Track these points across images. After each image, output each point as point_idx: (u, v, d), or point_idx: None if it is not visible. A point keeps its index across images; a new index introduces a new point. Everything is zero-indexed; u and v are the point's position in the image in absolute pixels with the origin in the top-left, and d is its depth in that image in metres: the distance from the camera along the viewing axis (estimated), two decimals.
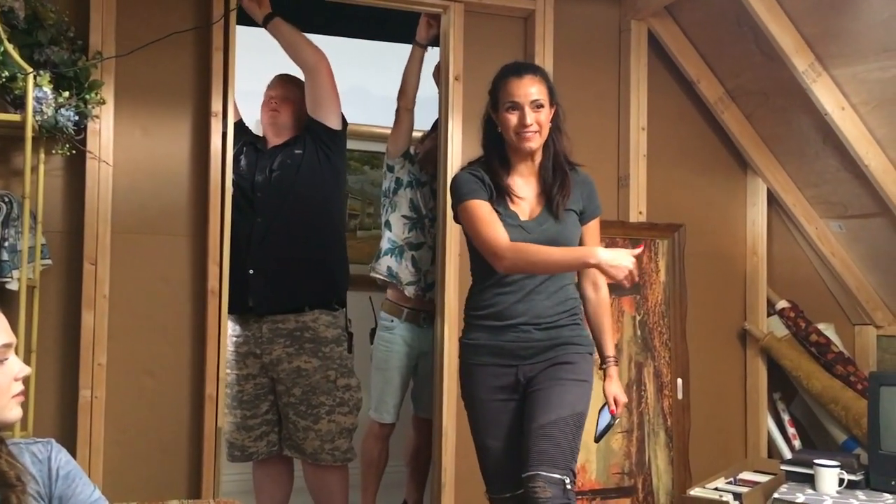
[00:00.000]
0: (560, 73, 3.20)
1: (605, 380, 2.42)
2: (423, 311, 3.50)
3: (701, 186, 3.65)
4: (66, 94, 2.59)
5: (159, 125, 2.92)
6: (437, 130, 3.38)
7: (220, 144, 2.93)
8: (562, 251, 2.23)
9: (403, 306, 3.51)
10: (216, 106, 2.92)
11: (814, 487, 2.89)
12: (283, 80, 3.24)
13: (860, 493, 2.86)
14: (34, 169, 2.65)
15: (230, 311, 2.99)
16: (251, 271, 3.04)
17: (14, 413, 1.47)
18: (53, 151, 2.69)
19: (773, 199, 3.68)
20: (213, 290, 2.91)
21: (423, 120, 3.66)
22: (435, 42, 3.40)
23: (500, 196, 2.34)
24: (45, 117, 2.54)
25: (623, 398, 2.41)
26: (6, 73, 2.47)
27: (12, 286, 2.53)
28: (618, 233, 3.42)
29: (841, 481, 2.87)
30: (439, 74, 3.38)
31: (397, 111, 3.48)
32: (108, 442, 2.78)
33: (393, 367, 3.50)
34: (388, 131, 3.58)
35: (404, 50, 3.46)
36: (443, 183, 3.22)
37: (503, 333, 2.33)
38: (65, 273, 2.79)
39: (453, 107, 3.23)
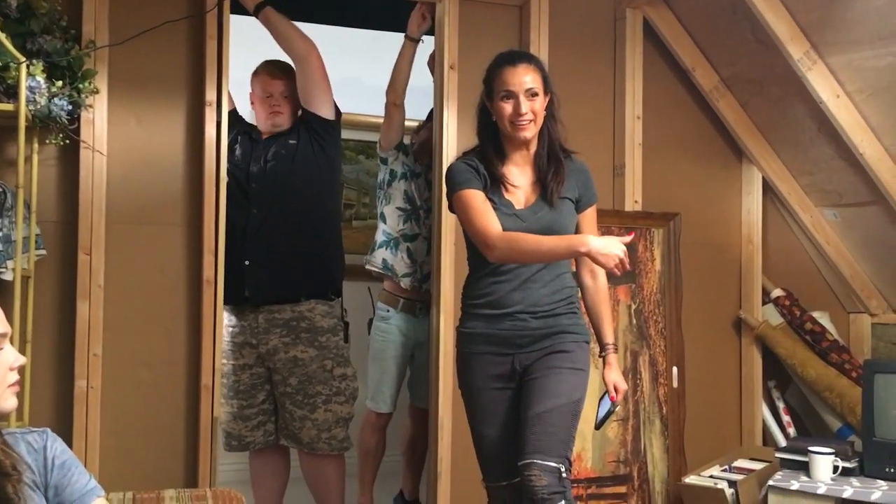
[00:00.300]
0: (555, 62, 3.19)
1: (604, 367, 2.42)
2: (419, 302, 3.50)
3: (696, 175, 3.65)
4: (60, 83, 2.58)
5: (153, 114, 2.91)
6: (433, 120, 3.37)
7: (215, 134, 2.92)
8: (552, 240, 2.22)
9: (399, 296, 3.51)
10: (210, 95, 2.91)
11: (808, 475, 2.90)
12: (277, 72, 3.19)
13: (854, 480, 2.88)
14: (28, 159, 2.64)
15: (226, 302, 2.99)
16: (247, 262, 3.04)
17: (9, 403, 1.47)
18: (47, 141, 2.67)
19: (768, 188, 3.68)
20: (208, 279, 2.90)
21: (419, 110, 3.65)
22: (429, 32, 3.39)
23: (495, 185, 2.34)
24: (39, 107, 2.53)
25: (623, 385, 2.41)
26: None
27: (7, 276, 2.52)
28: (613, 222, 3.42)
29: (835, 468, 2.89)
30: (434, 64, 3.37)
31: (386, 106, 3.47)
32: (104, 432, 2.79)
33: (389, 356, 3.51)
34: (382, 121, 3.57)
35: (398, 39, 3.45)
36: (438, 173, 3.21)
37: (499, 322, 2.34)
38: (59, 263, 2.79)
39: (448, 96, 3.23)
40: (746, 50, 3.27)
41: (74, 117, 2.69)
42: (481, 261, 2.35)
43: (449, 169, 2.42)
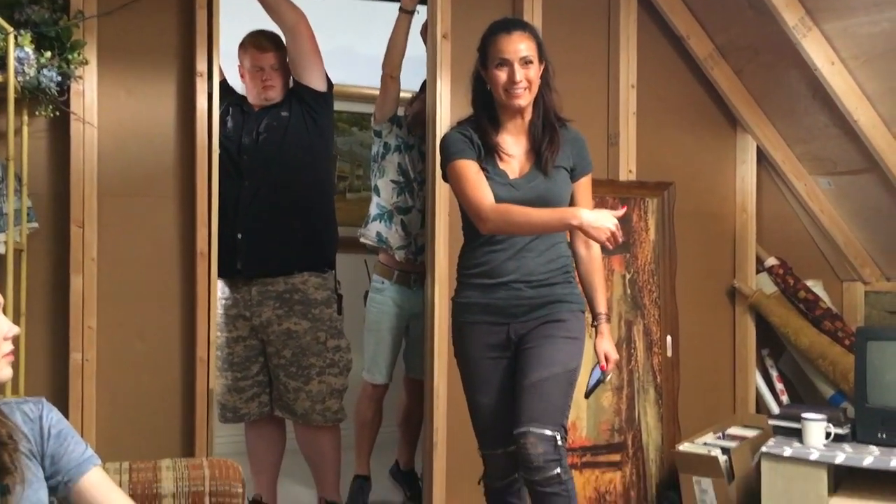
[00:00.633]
0: (549, 30, 3.16)
1: (596, 336, 2.43)
2: (414, 273, 3.50)
3: (690, 144, 3.65)
4: (48, 54, 2.55)
5: (144, 85, 2.88)
6: (426, 91, 3.35)
7: (206, 105, 2.90)
8: (544, 212, 2.22)
9: (394, 268, 3.52)
10: (201, 66, 2.88)
11: (801, 441, 2.92)
12: (266, 44, 3.14)
13: (847, 446, 2.90)
14: (18, 131, 2.61)
15: (219, 275, 2.98)
16: (239, 235, 3.03)
17: (4, 372, 1.46)
18: (37, 113, 2.64)
19: (762, 157, 3.68)
20: (201, 252, 2.89)
21: (412, 80, 3.62)
22: (423, 1, 3.36)
23: (489, 154, 2.33)
24: (28, 78, 2.50)
25: (614, 355, 2.42)
26: None
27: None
28: (607, 191, 3.41)
29: (828, 435, 2.91)
30: (427, 33, 3.34)
31: (382, 78, 3.45)
32: (100, 404, 2.79)
33: (384, 328, 3.51)
34: (376, 92, 3.55)
35: (391, 9, 3.41)
36: (431, 145, 3.20)
37: (495, 291, 2.34)
38: (52, 236, 2.77)
39: (441, 66, 3.20)
40: (741, 17, 3.25)
41: (64, 89, 2.66)
42: (475, 230, 2.34)
43: (443, 139, 2.41)
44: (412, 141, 3.53)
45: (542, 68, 2.33)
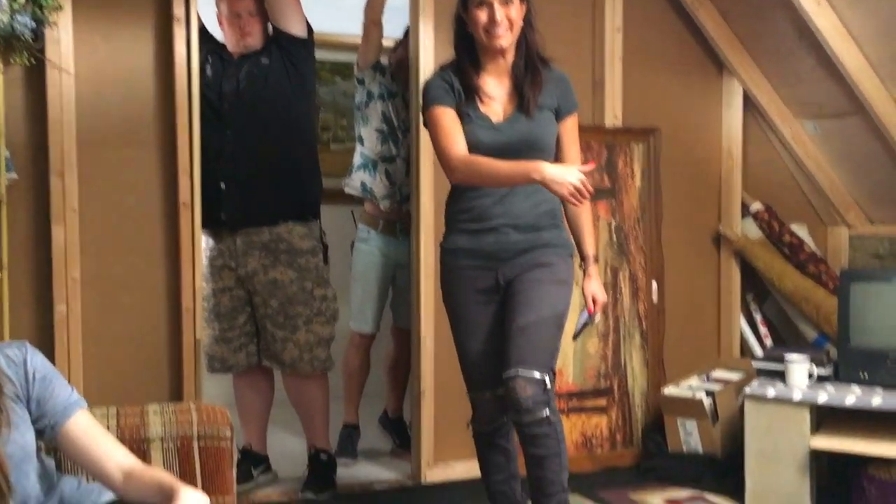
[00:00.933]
0: None
1: (584, 279, 2.43)
2: (399, 223, 3.49)
3: (676, 89, 3.62)
4: None
5: (120, 32, 2.82)
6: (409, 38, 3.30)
7: (185, 51, 2.85)
8: (509, 165, 2.19)
9: (379, 218, 3.51)
10: (178, 10, 2.82)
11: (784, 382, 2.96)
12: None
13: (829, 386, 2.94)
14: None
15: (203, 225, 2.96)
16: (222, 185, 3.00)
17: None
18: (12, 61, 2.59)
19: (748, 102, 3.66)
20: (185, 202, 2.87)
21: (395, 27, 3.57)
22: None
23: (470, 98, 2.30)
24: (2, 25, 2.44)
25: (602, 297, 2.41)
26: None
27: None
28: (593, 137, 3.40)
29: (810, 375, 2.95)
30: None
31: (365, 25, 3.40)
32: (86, 356, 2.78)
33: (371, 277, 3.52)
34: (359, 40, 3.50)
35: None
36: (415, 92, 3.16)
37: (482, 236, 2.33)
38: (32, 187, 2.74)
39: (424, 12, 3.15)
40: None
41: (39, 36, 2.60)
42: None
43: (424, 84, 2.38)
44: (395, 89, 3.49)
45: (523, 8, 2.28)
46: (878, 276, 3.07)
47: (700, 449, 3.25)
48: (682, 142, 3.63)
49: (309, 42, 3.11)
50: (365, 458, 3.52)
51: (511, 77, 2.33)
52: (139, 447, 1.69)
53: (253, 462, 3.21)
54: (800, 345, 3.55)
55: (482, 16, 2.25)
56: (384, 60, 3.53)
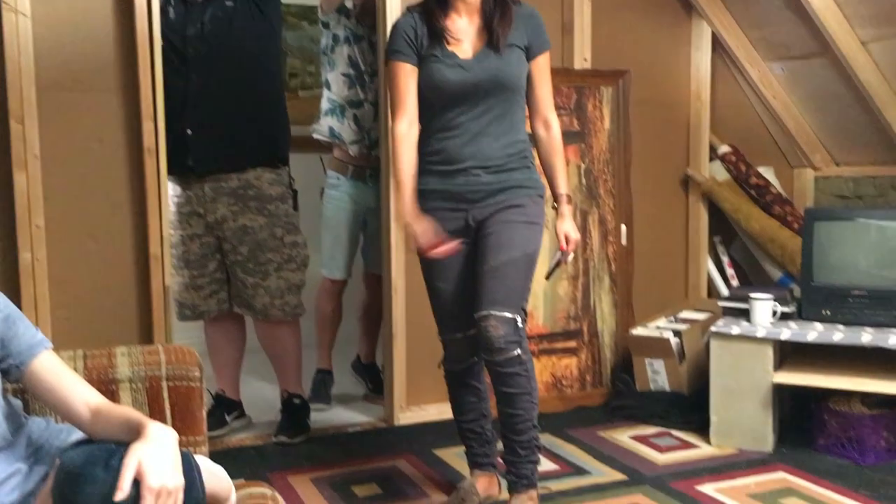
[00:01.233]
0: None
1: (557, 218, 2.42)
2: (369, 168, 3.47)
3: (645, 31, 3.61)
4: None
5: None
6: None
7: None
8: (402, 181, 2.29)
9: (348, 164, 3.48)
10: None
11: (749, 320, 3.01)
12: None
13: (793, 324, 3.00)
14: None
15: (170, 172, 2.92)
16: (189, 131, 2.95)
17: None
18: None
19: (717, 44, 3.66)
20: (149, 148, 2.82)
21: None
22: None
23: (437, 39, 2.27)
24: None
25: (574, 235, 2.39)
26: None
27: None
28: (562, 80, 3.38)
29: (774, 313, 3.00)
30: None
31: None
32: (53, 305, 2.75)
33: (341, 223, 3.51)
34: None
35: None
36: (382, 36, 3.11)
37: (453, 177, 2.32)
38: None
39: None
40: None
41: None
42: (430, 116, 2.32)
43: (392, 27, 2.35)
44: (361, 32, 3.44)
45: None
46: (840, 215, 3.11)
47: (667, 387, 3.31)
48: (651, 84, 3.63)
49: None
50: (338, 403, 3.55)
51: (481, 14, 2.30)
52: (107, 388, 1.69)
53: (227, 408, 3.22)
54: (766, 285, 3.61)
55: None
56: (349, 3, 3.47)
